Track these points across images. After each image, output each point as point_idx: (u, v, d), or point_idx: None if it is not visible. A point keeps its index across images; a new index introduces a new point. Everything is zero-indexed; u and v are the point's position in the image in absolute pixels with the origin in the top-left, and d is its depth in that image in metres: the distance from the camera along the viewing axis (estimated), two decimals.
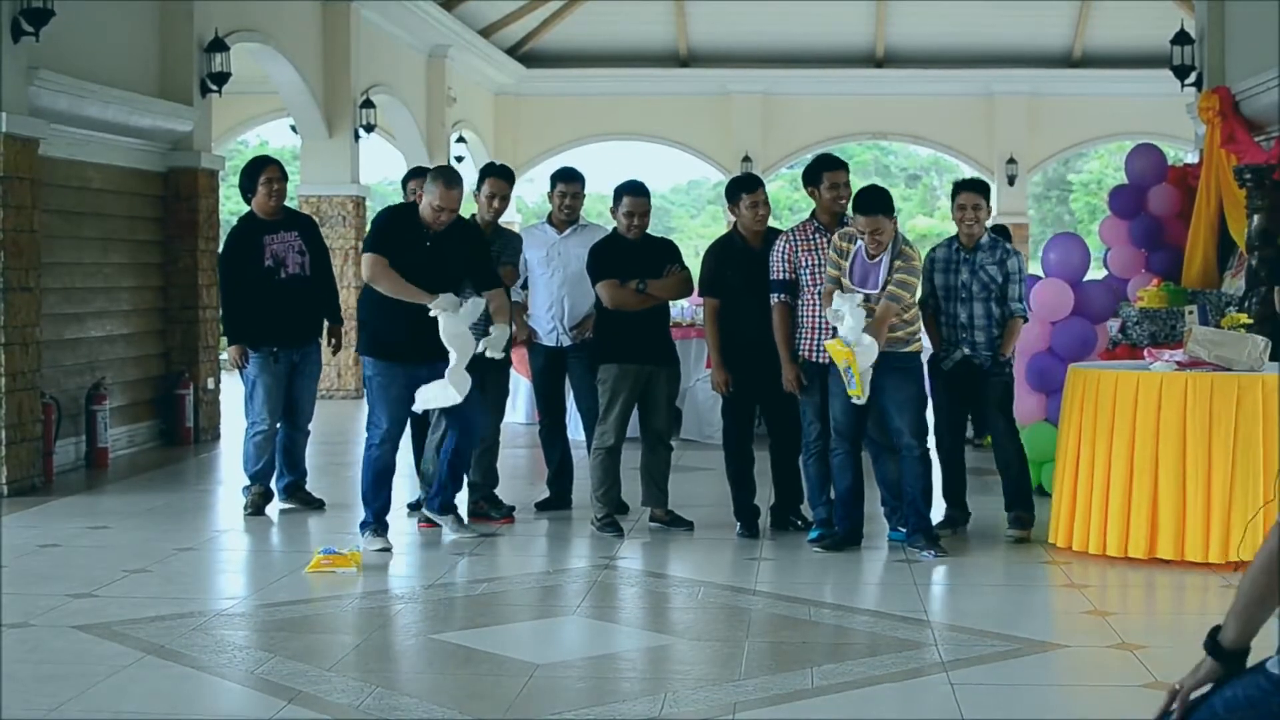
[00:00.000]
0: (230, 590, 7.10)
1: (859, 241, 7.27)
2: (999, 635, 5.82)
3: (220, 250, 8.86)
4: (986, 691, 5.11)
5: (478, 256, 7.64)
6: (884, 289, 7.20)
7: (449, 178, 7.51)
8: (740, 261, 7.85)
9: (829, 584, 6.88)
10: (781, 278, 7.60)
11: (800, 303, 7.64)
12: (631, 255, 7.94)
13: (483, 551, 7.54)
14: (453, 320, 7.24)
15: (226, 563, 7.71)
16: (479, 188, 8.33)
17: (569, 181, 8.62)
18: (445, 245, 7.47)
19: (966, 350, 7.76)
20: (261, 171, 8.65)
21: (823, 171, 7.67)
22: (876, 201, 7.17)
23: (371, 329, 7.61)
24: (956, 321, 7.77)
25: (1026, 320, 8.04)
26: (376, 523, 7.57)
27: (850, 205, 7.37)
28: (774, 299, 7.60)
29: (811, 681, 5.21)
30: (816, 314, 7.50)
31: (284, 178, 8.73)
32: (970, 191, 7.80)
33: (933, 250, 8.12)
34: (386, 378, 7.48)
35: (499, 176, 8.34)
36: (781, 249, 7.62)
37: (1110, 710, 5.00)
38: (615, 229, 8.11)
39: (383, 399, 7.51)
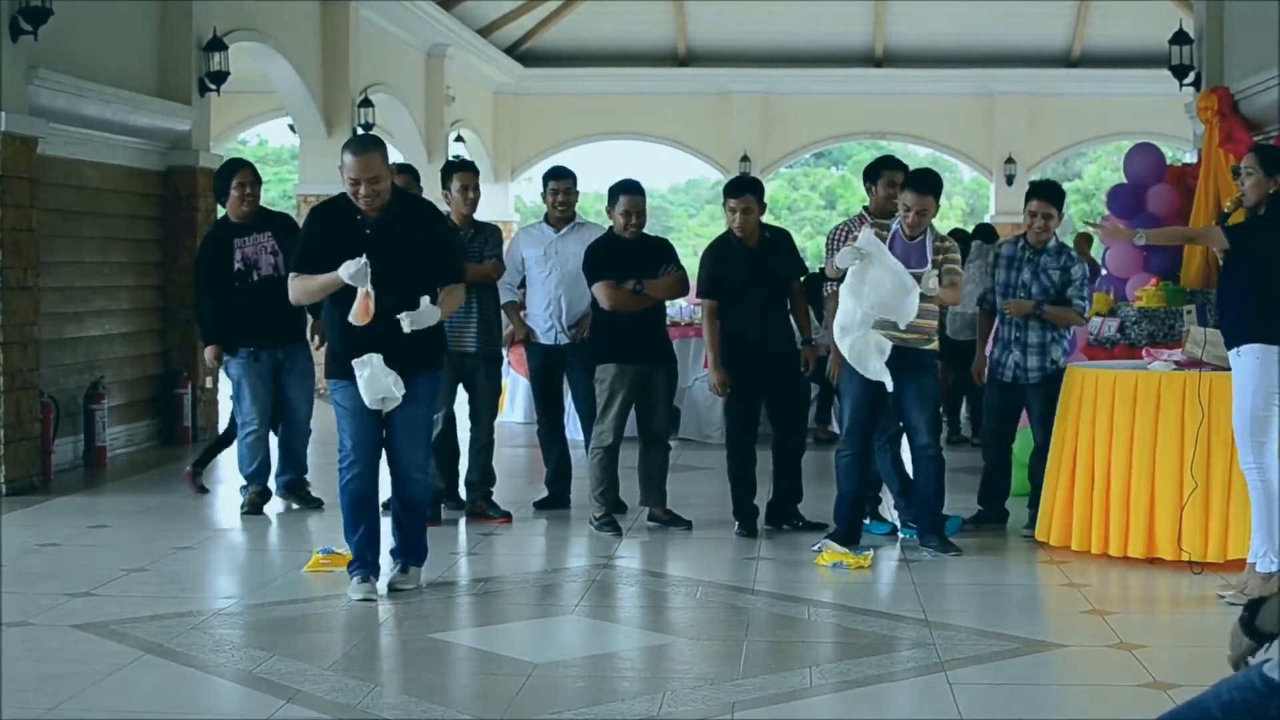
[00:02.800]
0: (228, 589, 7.11)
1: (894, 227, 7.35)
2: (997, 635, 5.82)
3: (195, 255, 8.87)
4: (985, 691, 5.11)
5: (432, 243, 6.38)
6: (937, 269, 7.26)
7: (355, 144, 6.28)
8: (738, 260, 7.87)
9: (828, 584, 6.88)
10: None
11: None
12: (628, 255, 7.95)
13: (481, 550, 7.54)
14: (374, 382, 6.21)
15: (225, 562, 7.71)
16: (446, 186, 8.33)
17: (559, 178, 8.64)
18: (388, 233, 6.24)
19: (1014, 359, 7.75)
20: (234, 175, 8.63)
21: (882, 170, 7.87)
22: (930, 182, 7.35)
23: (329, 348, 6.53)
24: (1012, 320, 7.78)
25: (1084, 321, 8.04)
26: (358, 562, 6.48)
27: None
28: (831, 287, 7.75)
29: (810, 681, 5.21)
30: None
31: (257, 181, 8.71)
32: (1041, 199, 7.76)
33: (999, 245, 8.27)
34: (344, 396, 6.34)
35: (465, 169, 8.36)
36: (841, 236, 7.77)
37: (1109, 710, 5.00)
38: (611, 228, 8.11)
39: (342, 418, 6.39)
